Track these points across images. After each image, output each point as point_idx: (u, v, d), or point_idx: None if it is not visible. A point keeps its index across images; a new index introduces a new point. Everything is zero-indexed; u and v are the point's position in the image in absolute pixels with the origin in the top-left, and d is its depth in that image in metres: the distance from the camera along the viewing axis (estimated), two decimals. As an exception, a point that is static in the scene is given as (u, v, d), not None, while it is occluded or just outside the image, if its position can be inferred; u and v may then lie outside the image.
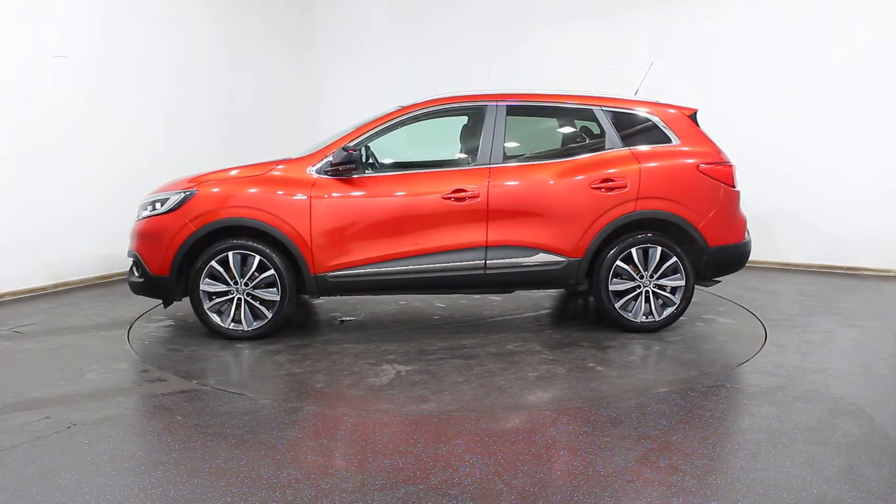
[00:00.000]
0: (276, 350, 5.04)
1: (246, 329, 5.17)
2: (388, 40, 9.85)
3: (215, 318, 5.16)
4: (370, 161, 5.57)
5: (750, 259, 5.72)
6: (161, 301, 5.40)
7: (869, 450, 3.41)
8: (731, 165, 5.39)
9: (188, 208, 5.10)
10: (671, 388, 4.24)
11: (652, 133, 5.41)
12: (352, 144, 5.18)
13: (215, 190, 5.17)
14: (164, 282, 5.14)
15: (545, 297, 6.56)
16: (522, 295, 6.59)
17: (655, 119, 5.42)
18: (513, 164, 5.29)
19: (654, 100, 5.61)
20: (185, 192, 5.16)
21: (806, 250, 8.03)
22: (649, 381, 4.37)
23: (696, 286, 5.53)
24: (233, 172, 5.30)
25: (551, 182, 5.20)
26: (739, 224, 5.49)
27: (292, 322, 5.78)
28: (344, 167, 5.08)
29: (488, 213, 5.14)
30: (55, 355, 4.87)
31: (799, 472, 3.18)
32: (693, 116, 5.48)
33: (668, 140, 5.38)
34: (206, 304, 5.14)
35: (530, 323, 5.74)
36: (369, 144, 5.45)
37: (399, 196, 5.16)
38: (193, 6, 8.20)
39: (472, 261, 5.16)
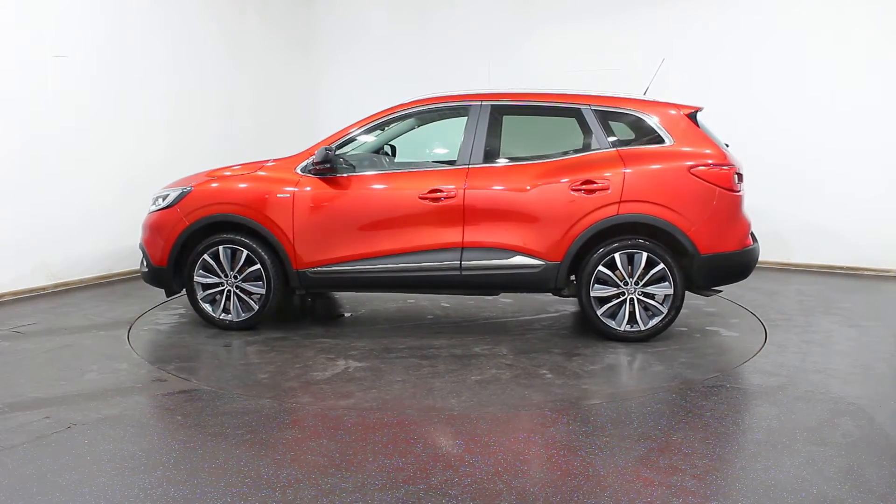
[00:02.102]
0: (255, 341, 5.23)
1: (234, 319, 5.41)
2: (387, 40, 9.85)
3: (208, 307, 5.44)
4: (385, 160, 5.77)
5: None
6: (164, 292, 5.64)
7: (869, 450, 3.41)
8: (730, 168, 5.05)
9: (184, 204, 5.40)
10: (603, 400, 4.05)
11: (645, 133, 5.18)
12: (334, 145, 5.32)
13: (208, 187, 5.47)
14: (163, 272, 5.44)
15: (556, 301, 6.45)
16: (536, 298, 6.48)
17: (648, 119, 5.17)
18: (493, 164, 5.22)
19: (650, 98, 5.41)
20: (182, 189, 5.50)
21: (807, 250, 8.03)
22: (588, 392, 4.19)
23: (698, 295, 5.35)
24: (230, 170, 5.59)
25: (530, 183, 5.08)
26: (738, 231, 5.14)
27: (296, 314, 5.85)
28: (322, 166, 5.21)
29: (464, 214, 5.10)
30: (55, 355, 4.87)
31: (799, 472, 3.18)
32: (692, 115, 5.21)
33: (662, 140, 5.12)
34: (200, 295, 5.42)
35: (518, 326, 5.66)
36: (395, 144, 5.65)
37: (377, 195, 5.25)
38: (193, 6, 8.20)
39: (447, 261, 5.14)
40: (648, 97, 5.49)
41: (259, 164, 5.53)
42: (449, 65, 9.39)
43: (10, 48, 6.37)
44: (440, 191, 5.12)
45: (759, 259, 5.45)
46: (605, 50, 8.61)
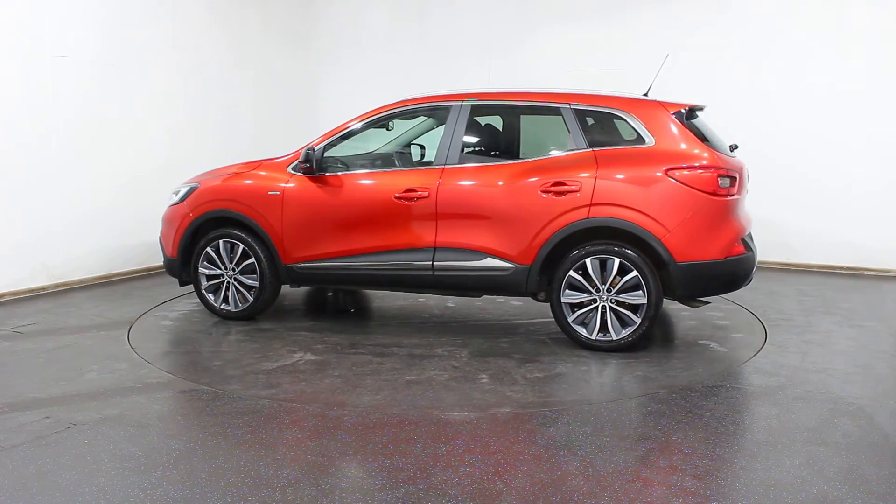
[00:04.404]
0: (241, 331, 5.48)
1: (233, 310, 5.67)
2: (387, 38, 9.84)
3: (210, 297, 5.73)
4: (397, 159, 5.96)
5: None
6: (178, 282, 5.98)
7: (869, 450, 3.41)
8: (714, 170, 4.71)
9: (191, 200, 5.73)
10: (512, 408, 3.92)
11: (626, 133, 4.97)
12: (321, 146, 5.42)
13: (211, 184, 5.75)
14: (174, 263, 5.82)
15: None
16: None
17: (630, 117, 4.92)
18: (467, 164, 5.16)
19: (634, 96, 5.15)
20: (191, 185, 5.84)
21: (807, 250, 8.02)
22: (508, 399, 4.06)
23: (686, 305, 5.12)
24: (234, 168, 5.84)
25: (501, 184, 4.97)
26: (723, 238, 4.78)
27: (308, 307, 6.07)
28: (305, 166, 5.34)
29: (437, 214, 5.08)
30: (55, 355, 4.87)
31: (799, 472, 3.18)
32: (681, 114, 4.91)
33: (643, 140, 4.87)
34: (203, 285, 5.72)
35: (503, 329, 5.55)
36: (421, 143, 5.78)
37: (357, 194, 5.33)
38: (193, 4, 8.19)
39: (420, 261, 5.14)
40: (633, 95, 5.22)
41: (256, 163, 5.79)
42: (449, 63, 9.37)
43: (10, 48, 6.36)
44: (414, 190, 5.13)
45: (760, 259, 5.27)
46: (608, 49, 8.59)
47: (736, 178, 4.88)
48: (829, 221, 7.86)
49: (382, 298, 6.54)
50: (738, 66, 8.10)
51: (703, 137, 4.98)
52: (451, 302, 6.37)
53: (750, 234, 5.31)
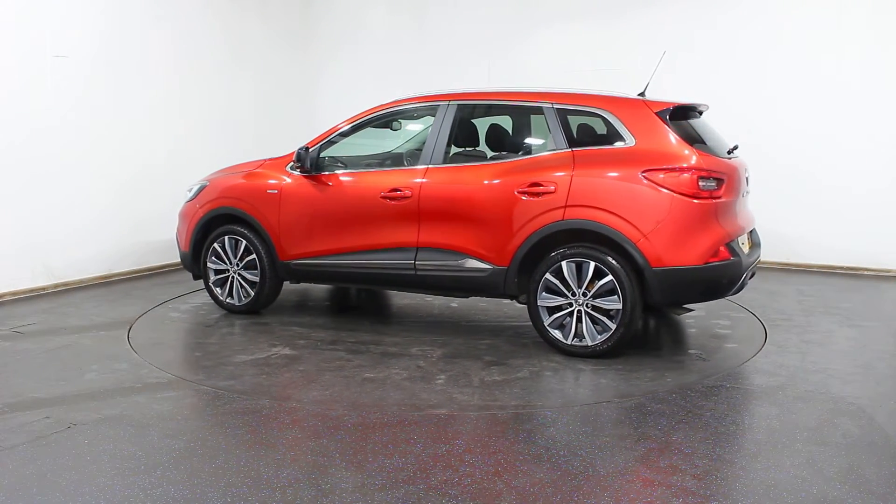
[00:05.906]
0: (242, 325, 5.67)
1: (236, 304, 5.87)
2: (387, 38, 9.83)
3: (217, 291, 5.94)
4: (405, 159, 6.06)
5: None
6: (192, 276, 6.24)
7: (869, 450, 3.41)
8: (694, 172, 4.50)
9: (200, 197, 5.97)
10: (450, 410, 3.92)
11: (607, 132, 4.84)
12: (315, 146, 5.51)
13: (218, 182, 5.96)
14: (186, 257, 6.07)
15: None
16: None
17: (610, 116, 4.77)
18: (450, 165, 5.15)
19: (620, 95, 4.99)
20: (202, 183, 6.07)
21: (807, 250, 8.01)
22: (452, 400, 4.04)
23: (670, 313, 4.96)
24: (244, 167, 6.02)
25: (480, 185, 4.94)
26: (703, 243, 4.53)
27: (320, 303, 6.19)
28: (297, 165, 5.51)
29: (419, 214, 5.09)
30: (55, 355, 4.87)
31: (799, 472, 3.18)
32: (666, 113, 4.71)
33: (623, 140, 4.71)
34: (211, 279, 5.93)
35: (485, 331, 5.50)
36: (427, 141, 5.79)
37: (347, 193, 5.42)
38: (193, 3, 8.18)
39: (403, 260, 5.18)
40: (616, 94, 5.07)
41: (259, 162, 5.93)
42: (448, 63, 9.36)
43: (11, 49, 6.36)
44: (399, 190, 5.16)
45: (760, 259, 5.21)
46: (608, 49, 8.57)
47: (723, 179, 4.66)
48: (830, 221, 7.86)
49: (391, 297, 6.57)
50: (738, 67, 8.10)
51: (694, 137, 4.81)
52: (455, 302, 6.36)
53: (755, 236, 5.25)
